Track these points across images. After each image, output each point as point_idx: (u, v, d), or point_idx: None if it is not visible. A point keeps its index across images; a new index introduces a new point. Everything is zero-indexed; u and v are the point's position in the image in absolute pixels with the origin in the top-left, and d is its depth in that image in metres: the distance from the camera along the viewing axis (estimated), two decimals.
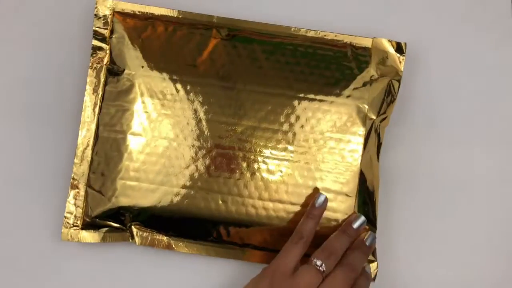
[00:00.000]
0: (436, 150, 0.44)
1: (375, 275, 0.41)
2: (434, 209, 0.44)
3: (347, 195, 0.41)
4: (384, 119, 0.42)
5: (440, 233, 0.43)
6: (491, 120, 0.45)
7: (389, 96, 0.42)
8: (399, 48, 0.43)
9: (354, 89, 0.42)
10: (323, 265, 0.36)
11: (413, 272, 0.43)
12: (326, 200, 0.40)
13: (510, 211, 0.44)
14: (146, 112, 0.42)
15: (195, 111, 0.42)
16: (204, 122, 0.41)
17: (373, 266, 0.41)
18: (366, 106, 0.42)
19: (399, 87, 0.42)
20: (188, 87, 0.42)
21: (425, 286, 0.43)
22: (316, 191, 0.41)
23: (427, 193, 0.44)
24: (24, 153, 0.44)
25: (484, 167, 0.44)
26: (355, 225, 0.40)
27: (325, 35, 0.43)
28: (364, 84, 0.42)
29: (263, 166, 0.41)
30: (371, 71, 0.42)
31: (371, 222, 0.41)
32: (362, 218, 0.40)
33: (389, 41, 0.43)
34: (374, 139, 0.42)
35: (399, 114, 0.44)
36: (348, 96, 0.42)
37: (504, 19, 0.45)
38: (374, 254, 0.42)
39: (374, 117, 0.42)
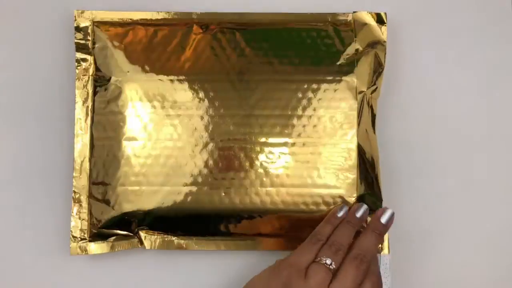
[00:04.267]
0: (431, 121, 0.44)
1: (388, 247, 0.41)
2: (433, 176, 0.44)
3: (348, 170, 0.41)
4: (374, 90, 0.42)
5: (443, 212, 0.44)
6: (492, 120, 0.45)
7: (376, 67, 0.42)
8: (380, 19, 0.43)
9: (341, 64, 0.42)
10: (332, 263, 0.35)
11: (418, 244, 0.43)
12: (347, 211, 0.40)
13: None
14: (138, 115, 0.42)
15: (186, 108, 0.42)
16: (196, 118, 0.41)
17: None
18: (355, 80, 0.42)
19: (385, 57, 0.42)
20: (176, 86, 0.42)
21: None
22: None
23: (425, 161, 0.44)
24: (24, 164, 0.44)
25: (473, 137, 0.44)
26: (358, 214, 0.39)
27: (304, 16, 0.43)
28: (350, 59, 0.42)
29: (260, 153, 0.41)
30: (356, 45, 0.42)
31: (376, 195, 0.41)
32: (365, 206, 0.40)
33: (369, 13, 0.43)
34: (367, 112, 0.42)
35: (390, 87, 0.44)
36: (336, 72, 0.42)
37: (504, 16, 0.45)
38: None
39: (364, 89, 0.42)
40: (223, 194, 0.41)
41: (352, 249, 0.37)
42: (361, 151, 0.41)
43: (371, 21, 0.43)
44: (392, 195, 0.43)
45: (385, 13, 0.43)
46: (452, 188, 0.44)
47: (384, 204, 0.42)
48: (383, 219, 0.38)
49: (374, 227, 0.38)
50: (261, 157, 0.41)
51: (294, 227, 0.41)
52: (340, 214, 0.39)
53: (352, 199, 0.41)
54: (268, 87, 0.42)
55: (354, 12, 0.43)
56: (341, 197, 0.41)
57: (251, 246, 0.42)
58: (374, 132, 0.42)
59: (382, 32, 0.43)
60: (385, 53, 0.42)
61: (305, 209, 0.41)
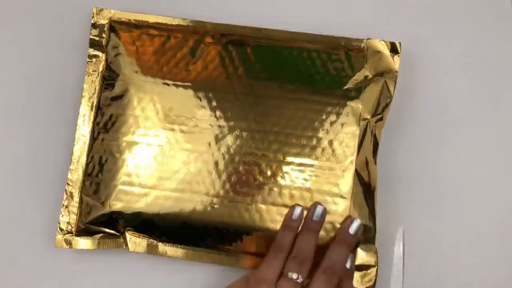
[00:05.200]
0: (436, 152, 0.43)
1: (375, 281, 0.39)
2: (434, 211, 0.42)
3: (342, 196, 0.40)
4: (379, 119, 0.41)
5: (440, 235, 0.42)
6: (490, 119, 0.44)
7: (384, 96, 0.41)
8: (394, 48, 0.42)
9: (347, 89, 0.41)
10: (299, 276, 0.35)
11: (413, 274, 0.41)
12: (302, 211, 0.38)
13: (509, 210, 0.42)
14: (139, 116, 0.42)
15: (186, 114, 0.41)
16: (195, 125, 0.41)
17: (372, 271, 0.40)
18: (360, 106, 0.41)
19: (394, 87, 0.41)
20: (180, 91, 0.42)
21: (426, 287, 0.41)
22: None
23: (427, 195, 0.43)
24: (20, 156, 0.44)
25: (484, 167, 0.43)
26: (316, 217, 0.38)
27: (317, 37, 0.43)
28: (358, 85, 0.41)
29: (254, 169, 0.41)
30: (365, 72, 0.42)
31: (370, 227, 0.40)
32: (320, 207, 0.38)
33: (383, 41, 0.42)
34: (369, 140, 0.41)
35: (397, 115, 0.43)
36: (341, 97, 0.41)
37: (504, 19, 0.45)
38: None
39: (368, 117, 0.41)
40: (213, 206, 0.40)
41: (321, 262, 0.36)
42: (358, 179, 0.40)
43: (384, 50, 0.42)
44: (389, 229, 0.41)
45: (400, 43, 0.42)
46: (456, 225, 0.42)
47: (380, 240, 0.40)
48: (351, 230, 0.37)
49: (342, 238, 0.37)
50: (255, 173, 0.40)
51: None
52: (295, 216, 0.38)
53: None
54: (270, 104, 0.41)
55: (368, 39, 0.42)
56: (331, 223, 0.40)
57: (235, 263, 0.41)
58: (375, 162, 0.41)
59: (395, 62, 0.42)
60: (395, 83, 0.41)
61: None
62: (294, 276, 0.35)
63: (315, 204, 0.38)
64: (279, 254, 0.36)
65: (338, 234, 0.38)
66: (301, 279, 0.35)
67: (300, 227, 0.38)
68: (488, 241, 0.42)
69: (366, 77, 0.41)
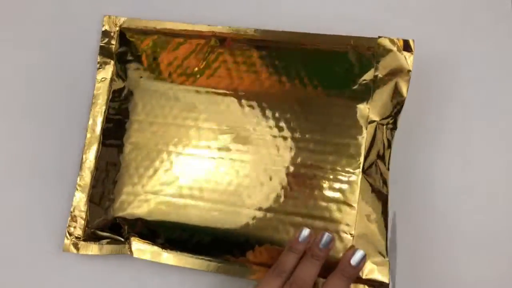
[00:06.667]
0: (437, 153, 0.41)
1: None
2: (436, 212, 0.40)
3: (348, 204, 0.37)
4: (391, 122, 0.38)
5: (441, 236, 0.40)
6: (491, 120, 0.42)
7: (395, 97, 0.39)
8: (407, 46, 0.39)
9: (355, 90, 0.39)
10: None
11: (414, 273, 0.39)
12: (310, 234, 0.36)
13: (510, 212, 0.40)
14: (143, 122, 0.42)
15: (195, 119, 0.41)
16: (199, 131, 0.40)
17: None
18: (368, 108, 0.38)
19: (408, 88, 0.39)
20: (185, 97, 0.41)
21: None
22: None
23: (429, 197, 0.40)
24: (32, 161, 0.45)
25: (485, 169, 0.41)
26: (322, 245, 0.35)
27: (325, 37, 0.41)
28: (367, 86, 0.39)
29: (247, 173, 0.39)
30: (375, 72, 0.39)
31: (378, 237, 0.37)
32: (327, 236, 0.35)
33: (396, 39, 0.39)
34: (380, 144, 0.38)
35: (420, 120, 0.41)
36: (348, 98, 0.39)
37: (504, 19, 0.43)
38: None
39: (377, 119, 0.38)
40: (214, 212, 0.39)
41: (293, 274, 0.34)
42: (366, 186, 0.38)
43: (396, 48, 0.39)
44: (402, 239, 0.39)
45: (413, 40, 0.39)
46: (456, 226, 0.40)
47: (396, 251, 0.37)
48: (353, 261, 0.35)
49: (343, 269, 0.35)
50: (247, 178, 0.39)
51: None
52: (302, 238, 0.36)
53: (348, 236, 0.37)
54: (269, 107, 0.40)
55: (379, 36, 0.40)
56: (337, 232, 0.37)
57: (244, 274, 0.39)
58: (388, 167, 0.38)
59: (407, 61, 0.39)
60: (409, 83, 0.39)
61: None
62: None
63: (324, 232, 0.36)
64: (279, 276, 0.34)
65: (340, 264, 0.35)
66: None
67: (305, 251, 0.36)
68: (489, 242, 0.40)
69: (376, 77, 0.39)
